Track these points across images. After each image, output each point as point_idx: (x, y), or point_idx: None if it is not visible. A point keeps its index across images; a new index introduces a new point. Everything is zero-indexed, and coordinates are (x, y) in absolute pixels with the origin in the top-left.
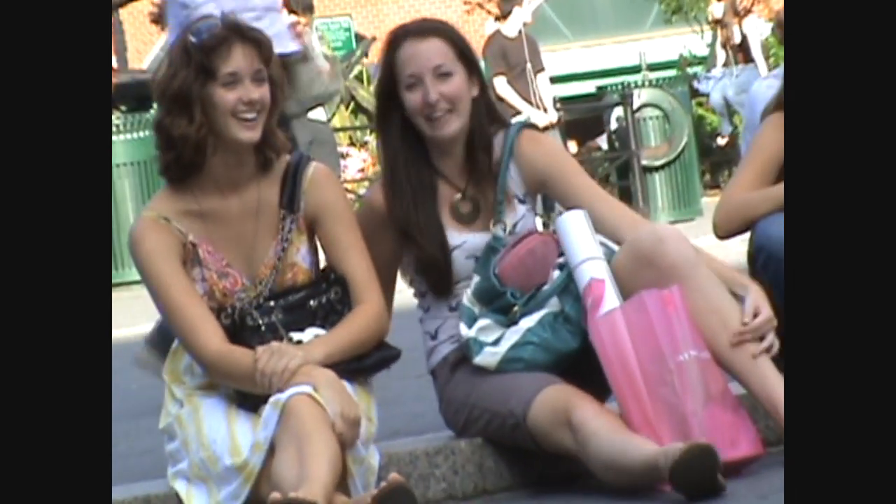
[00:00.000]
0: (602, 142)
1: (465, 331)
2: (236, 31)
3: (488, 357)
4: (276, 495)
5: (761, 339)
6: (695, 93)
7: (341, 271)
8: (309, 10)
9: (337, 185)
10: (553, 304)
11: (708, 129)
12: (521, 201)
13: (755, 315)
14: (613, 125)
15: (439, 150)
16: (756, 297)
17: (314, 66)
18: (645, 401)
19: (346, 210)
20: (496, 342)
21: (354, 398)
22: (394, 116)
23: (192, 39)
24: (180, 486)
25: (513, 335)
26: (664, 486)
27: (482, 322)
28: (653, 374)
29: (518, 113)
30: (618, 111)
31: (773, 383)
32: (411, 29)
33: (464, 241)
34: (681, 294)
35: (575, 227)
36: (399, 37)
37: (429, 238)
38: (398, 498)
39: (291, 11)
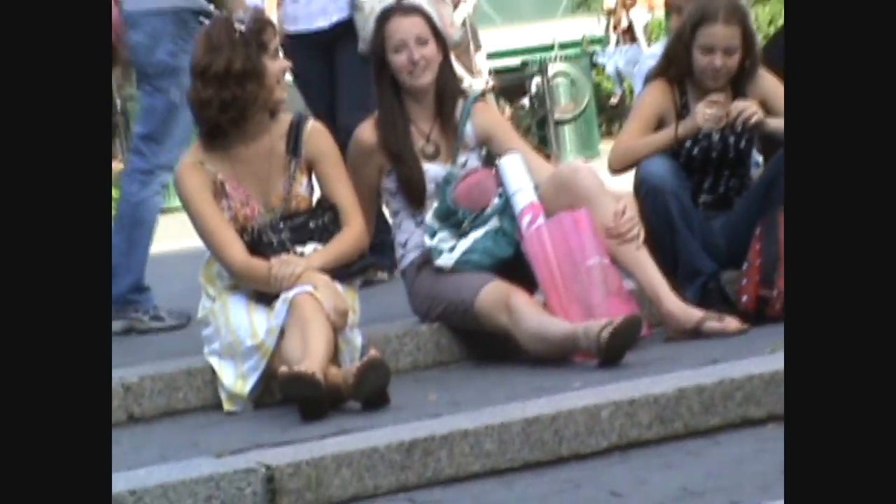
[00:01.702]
0: (525, 102)
1: (427, 241)
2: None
3: (445, 260)
4: (284, 368)
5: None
6: (594, 65)
7: (333, 201)
8: None
9: (328, 137)
10: (494, 222)
11: (604, 92)
12: (472, 149)
13: (623, 215)
14: (533, 90)
15: (414, 100)
16: (623, 202)
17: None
18: (562, 293)
19: (336, 155)
20: (451, 249)
21: (343, 295)
22: (384, 74)
23: (240, 26)
24: (214, 361)
25: (464, 244)
26: (577, 357)
27: (441, 234)
28: (568, 274)
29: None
30: (537, 79)
31: (651, 274)
32: (398, 8)
33: (428, 168)
34: (588, 215)
35: (513, 165)
36: (388, 13)
37: (411, 162)
38: (376, 368)
39: None
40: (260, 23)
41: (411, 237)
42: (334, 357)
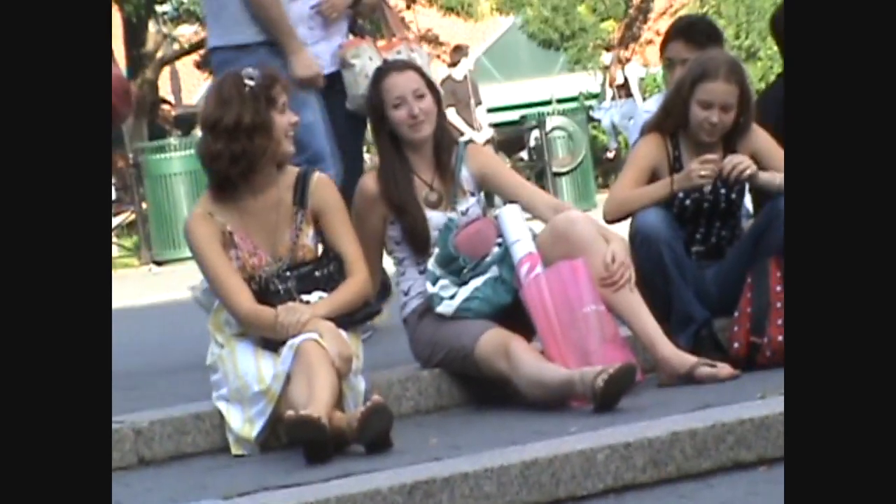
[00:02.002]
0: (524, 154)
1: (430, 288)
2: (277, 75)
3: (446, 307)
4: (290, 412)
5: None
6: (590, 119)
7: (337, 251)
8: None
9: (334, 189)
10: (493, 271)
11: (600, 145)
12: (472, 194)
13: (613, 260)
14: (532, 142)
15: (415, 152)
16: (613, 247)
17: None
18: (559, 340)
19: (341, 207)
20: (452, 297)
21: (348, 342)
22: (384, 130)
23: (250, 81)
24: (222, 406)
25: (464, 292)
26: (573, 402)
27: (442, 282)
28: (566, 321)
29: (462, 134)
30: (535, 132)
31: (646, 321)
32: (392, 66)
33: (430, 217)
34: (585, 264)
35: (511, 216)
36: (384, 72)
37: (415, 213)
38: (379, 413)
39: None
40: (269, 78)
41: (414, 285)
42: (339, 402)
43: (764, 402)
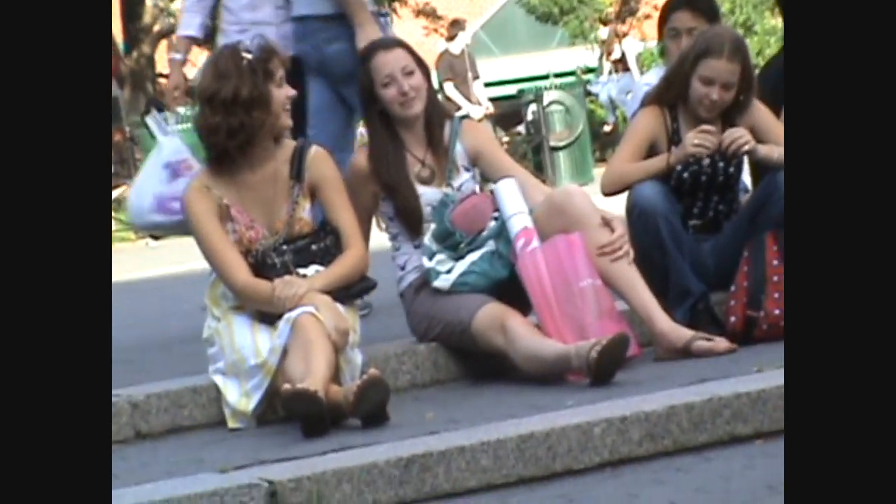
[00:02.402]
0: (521, 129)
1: (426, 262)
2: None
3: (443, 281)
4: (287, 386)
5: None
6: (588, 93)
7: (334, 225)
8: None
9: (331, 162)
10: (490, 245)
11: (597, 119)
12: (467, 169)
13: (613, 234)
14: (529, 117)
15: (407, 129)
16: (614, 222)
17: None
18: (556, 314)
19: (338, 180)
20: (449, 271)
21: (344, 315)
22: (374, 108)
23: (247, 54)
24: (218, 379)
25: (461, 266)
26: (570, 376)
27: (439, 256)
28: (562, 295)
29: (459, 108)
30: (533, 107)
31: (643, 295)
32: (379, 44)
33: (422, 193)
34: (581, 238)
35: (508, 190)
36: (372, 50)
37: (407, 192)
38: (376, 386)
39: None
40: (266, 52)
41: (409, 260)
42: (335, 375)
43: (760, 376)
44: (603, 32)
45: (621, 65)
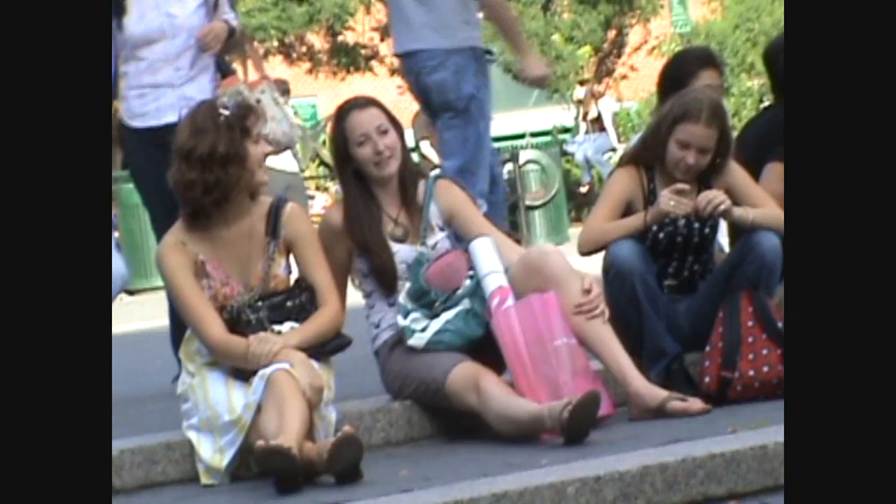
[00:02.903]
0: None
1: (401, 321)
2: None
3: (418, 340)
4: (261, 442)
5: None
6: (564, 153)
7: (310, 281)
8: (286, 93)
9: (307, 219)
10: (465, 304)
11: (573, 179)
12: (441, 229)
13: (588, 293)
14: (505, 176)
15: (381, 187)
16: (588, 279)
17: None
18: (530, 374)
19: (313, 237)
20: (423, 329)
21: (319, 372)
22: (347, 168)
23: (224, 111)
24: (192, 435)
25: (436, 324)
26: (544, 435)
27: (413, 315)
28: (536, 354)
29: (436, 167)
30: (508, 166)
31: (617, 354)
32: (354, 103)
33: (397, 251)
34: (556, 297)
35: (483, 248)
36: (346, 110)
37: (381, 251)
38: (349, 444)
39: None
40: (243, 109)
41: (384, 317)
42: (309, 432)
43: (735, 437)
44: (579, 92)
45: (597, 124)
